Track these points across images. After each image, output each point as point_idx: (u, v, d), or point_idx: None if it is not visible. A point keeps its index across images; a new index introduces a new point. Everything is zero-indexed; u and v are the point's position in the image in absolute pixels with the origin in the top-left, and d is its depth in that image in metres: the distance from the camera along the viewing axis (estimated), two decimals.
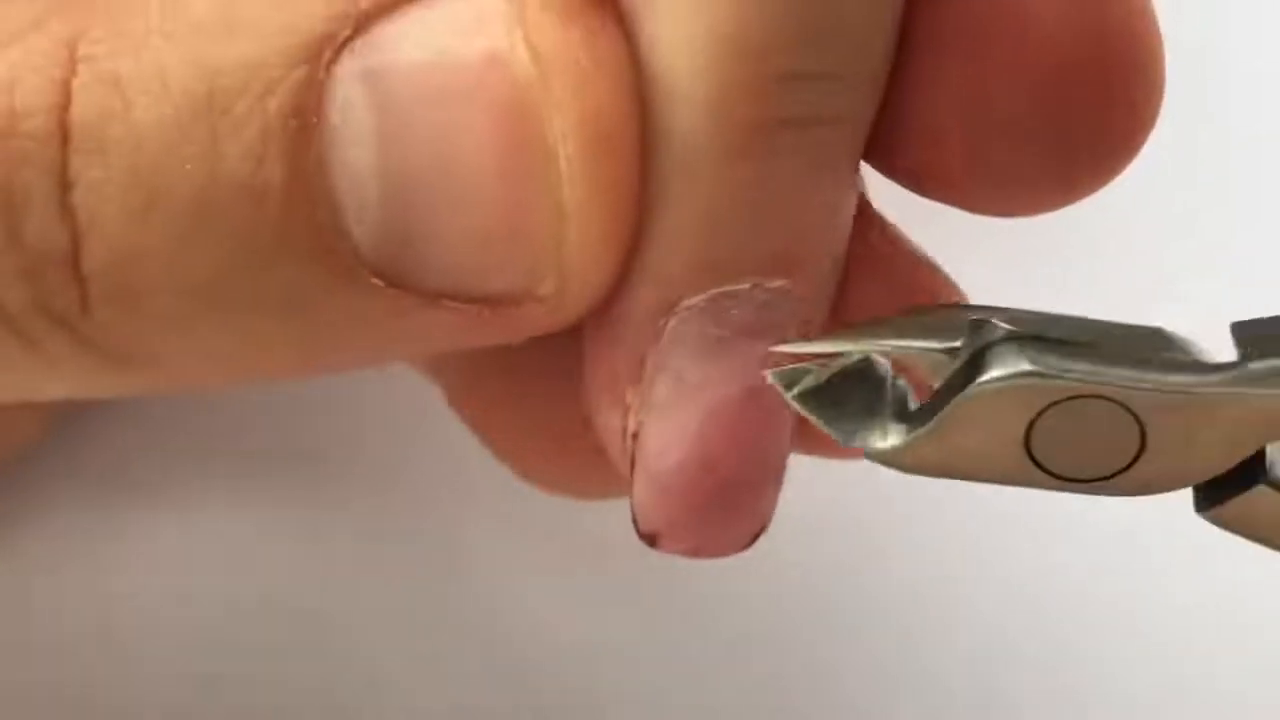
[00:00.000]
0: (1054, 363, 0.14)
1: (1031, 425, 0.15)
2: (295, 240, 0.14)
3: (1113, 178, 0.16)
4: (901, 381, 0.15)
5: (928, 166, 0.16)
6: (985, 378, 0.14)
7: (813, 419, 0.15)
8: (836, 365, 0.15)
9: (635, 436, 0.16)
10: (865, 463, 0.15)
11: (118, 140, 0.14)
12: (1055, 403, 0.14)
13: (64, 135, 0.14)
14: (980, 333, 0.15)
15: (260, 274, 0.14)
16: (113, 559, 0.24)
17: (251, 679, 0.23)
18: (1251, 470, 0.15)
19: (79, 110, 0.14)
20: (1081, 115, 0.15)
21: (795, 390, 0.15)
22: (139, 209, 0.14)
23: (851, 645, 0.24)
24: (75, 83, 0.14)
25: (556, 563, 0.24)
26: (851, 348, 0.15)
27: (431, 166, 0.14)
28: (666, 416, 0.15)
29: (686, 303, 0.15)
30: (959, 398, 0.14)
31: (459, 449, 0.22)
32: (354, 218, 0.14)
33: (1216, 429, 0.14)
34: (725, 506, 0.16)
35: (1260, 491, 0.15)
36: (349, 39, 0.14)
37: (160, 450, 0.25)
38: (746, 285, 0.15)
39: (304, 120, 0.14)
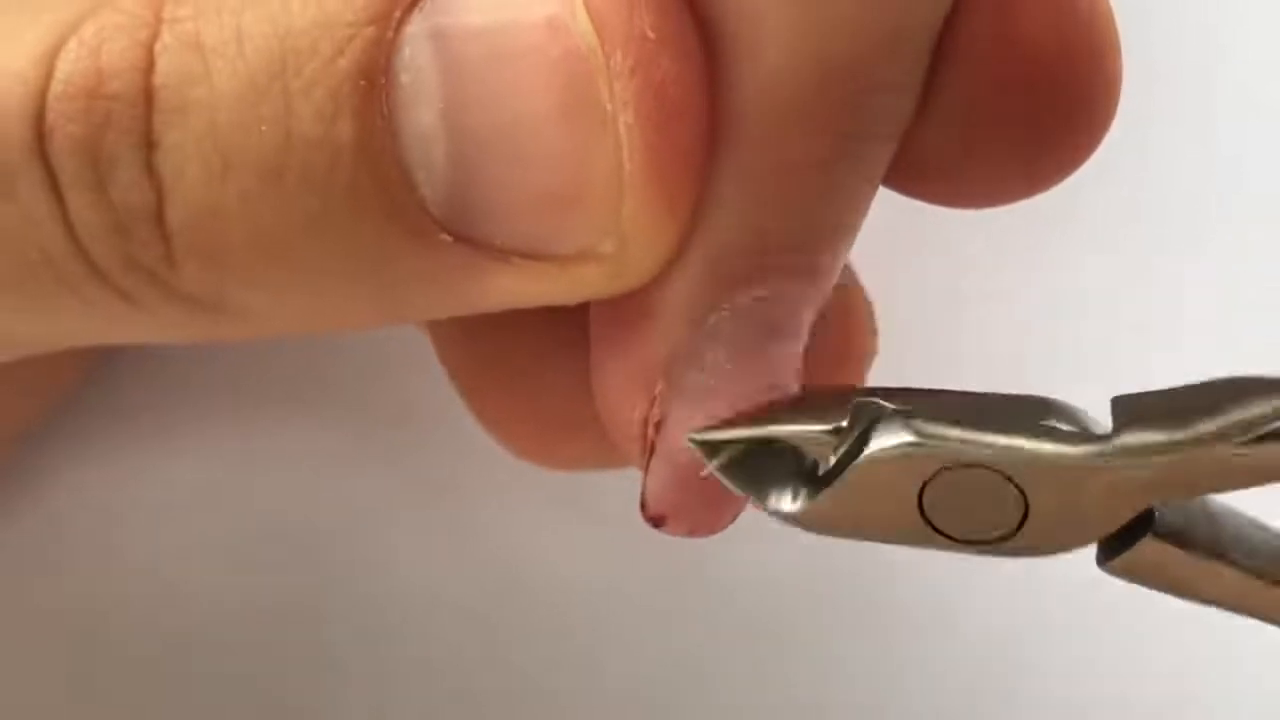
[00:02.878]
0: (935, 433, 0.15)
1: (923, 491, 0.15)
2: (366, 198, 0.15)
3: (1075, 170, 0.16)
4: (807, 453, 0.16)
5: (923, 158, 0.16)
6: (870, 450, 0.15)
7: (731, 487, 0.16)
8: (748, 438, 0.16)
9: (658, 425, 0.16)
10: None
11: (197, 102, 0.14)
12: (940, 471, 0.15)
13: (148, 97, 0.15)
14: (867, 411, 0.15)
15: (333, 231, 0.15)
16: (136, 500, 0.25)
17: (267, 618, 0.25)
18: (1143, 523, 0.15)
19: (162, 72, 0.15)
20: (1045, 113, 0.16)
21: (717, 461, 0.16)
22: (218, 168, 0.14)
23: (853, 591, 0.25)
24: (158, 45, 0.15)
25: (571, 513, 0.25)
26: (754, 434, 0.16)
27: (495, 127, 0.14)
28: (695, 408, 0.16)
29: (732, 301, 0.15)
30: (850, 467, 0.15)
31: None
32: (423, 176, 0.15)
33: (1093, 496, 0.15)
34: (731, 494, 0.16)
35: (1148, 543, 0.15)
36: (415, 2, 0.14)
37: (183, 394, 0.26)
38: (790, 288, 0.15)
39: (373, 80, 0.14)
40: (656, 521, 0.16)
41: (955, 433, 0.15)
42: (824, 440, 0.15)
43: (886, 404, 0.15)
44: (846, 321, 0.18)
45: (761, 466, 0.16)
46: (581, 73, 0.14)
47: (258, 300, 0.15)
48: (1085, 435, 0.15)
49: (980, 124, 0.16)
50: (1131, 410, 0.15)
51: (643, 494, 0.16)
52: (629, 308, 0.16)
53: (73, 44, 0.15)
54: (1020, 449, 0.15)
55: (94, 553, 0.25)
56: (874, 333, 0.18)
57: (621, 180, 0.15)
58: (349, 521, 0.25)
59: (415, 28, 0.14)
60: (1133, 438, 0.15)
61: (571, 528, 0.25)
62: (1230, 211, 0.26)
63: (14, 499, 0.25)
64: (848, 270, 0.18)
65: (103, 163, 0.15)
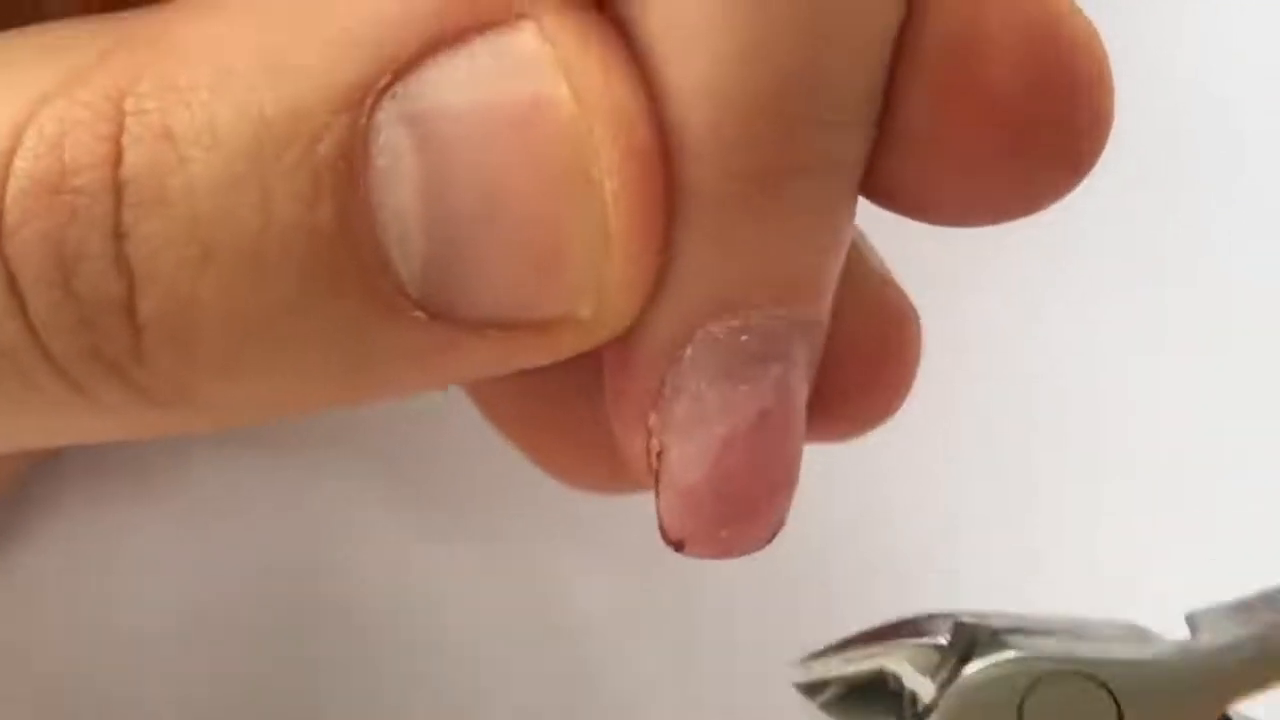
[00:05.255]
0: (1032, 645, 0.16)
1: (1022, 705, 0.17)
2: (344, 280, 0.15)
3: (1072, 189, 0.16)
4: (908, 682, 0.17)
5: (887, 182, 0.16)
6: (971, 670, 0.16)
7: None
8: (851, 675, 0.17)
9: (659, 455, 0.16)
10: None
11: (174, 192, 0.14)
12: (1038, 682, 0.16)
13: (117, 189, 0.14)
14: (965, 631, 0.17)
15: (310, 314, 0.15)
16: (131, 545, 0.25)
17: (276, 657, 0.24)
18: None
19: (131, 164, 0.14)
20: (1041, 132, 0.16)
21: (820, 699, 0.17)
22: (196, 257, 0.14)
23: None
24: (125, 138, 0.14)
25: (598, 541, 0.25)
26: (854, 671, 0.17)
27: (476, 204, 0.15)
28: (687, 438, 0.16)
29: (703, 332, 0.16)
30: (953, 688, 0.17)
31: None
32: (399, 256, 0.15)
33: (1182, 696, 0.16)
34: (745, 515, 0.17)
35: None
36: (389, 85, 0.14)
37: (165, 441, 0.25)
38: (760, 315, 0.16)
39: (351, 164, 0.14)
40: (677, 546, 0.17)
41: (1051, 643, 0.16)
42: (926, 665, 0.17)
43: (983, 624, 0.17)
44: (879, 346, 0.18)
45: (865, 699, 0.17)
46: (570, 146, 0.15)
47: (225, 390, 0.15)
48: (1169, 644, 0.16)
49: (943, 158, 0.16)
50: (1208, 618, 0.16)
51: (659, 520, 0.17)
52: (617, 347, 0.16)
53: (31, 139, 0.14)
54: (1113, 653, 0.16)
55: (82, 606, 0.25)
56: (910, 361, 0.18)
57: (607, 244, 0.15)
58: (343, 567, 0.25)
59: (389, 112, 0.14)
60: (1213, 637, 0.16)
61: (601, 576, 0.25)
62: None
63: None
64: (896, 292, 0.18)
65: (68, 258, 0.14)
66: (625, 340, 0.16)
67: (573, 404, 0.20)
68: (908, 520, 0.26)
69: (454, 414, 0.23)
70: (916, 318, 0.18)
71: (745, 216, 0.15)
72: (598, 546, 0.26)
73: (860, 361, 0.18)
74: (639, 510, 0.23)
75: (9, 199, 0.14)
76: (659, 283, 0.16)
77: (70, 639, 0.25)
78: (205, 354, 0.15)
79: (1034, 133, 0.16)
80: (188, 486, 0.25)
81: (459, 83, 0.15)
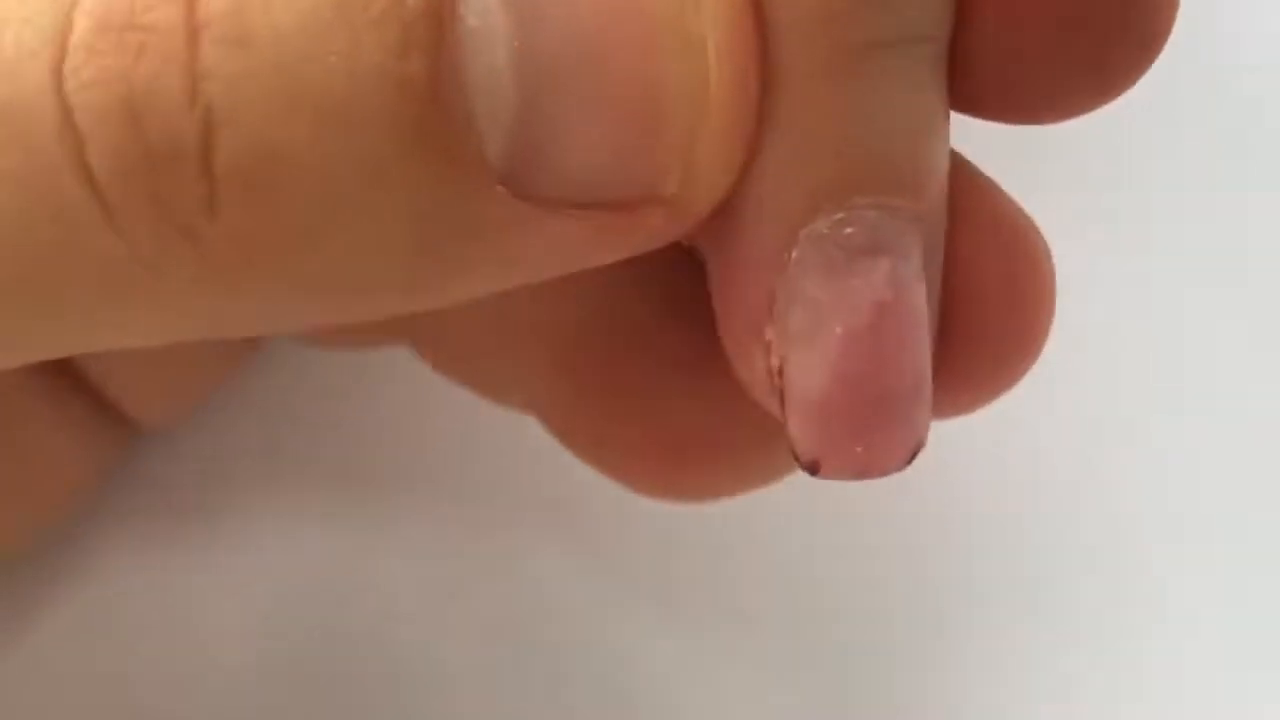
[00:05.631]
0: None
1: None
2: (429, 143, 0.14)
3: (1142, 72, 0.16)
4: None
5: (965, 81, 0.16)
6: None
7: None
8: None
9: (780, 372, 0.16)
10: None
11: (259, 33, 0.14)
12: None
13: (192, 27, 0.14)
14: None
15: (391, 177, 0.14)
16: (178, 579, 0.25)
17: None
18: None
19: (210, 2, 0.14)
20: (1114, 13, 0.15)
21: None
22: (281, 103, 0.14)
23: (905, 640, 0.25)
24: None
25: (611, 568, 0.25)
26: None
27: (571, 66, 0.14)
28: (807, 344, 0.15)
29: (806, 230, 0.15)
30: None
31: (525, 468, 0.24)
32: (486, 122, 0.14)
33: None
34: (878, 424, 0.16)
35: None
36: None
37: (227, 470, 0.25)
38: (861, 205, 0.15)
39: (441, 19, 0.14)
40: (812, 469, 0.16)
41: None
42: None
43: None
44: (1004, 285, 0.17)
45: None
46: (680, 12, 0.14)
47: (294, 261, 0.14)
48: None
49: (1030, 27, 0.15)
50: None
51: (791, 446, 0.16)
52: (724, 266, 0.16)
53: None
54: None
55: (140, 635, 0.25)
56: (1041, 305, 0.17)
57: (706, 107, 0.14)
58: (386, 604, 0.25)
59: None
60: None
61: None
62: None
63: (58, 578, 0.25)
64: (1025, 222, 0.17)
65: (137, 95, 0.14)
66: (728, 253, 0.16)
67: (661, 396, 0.19)
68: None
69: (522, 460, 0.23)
70: (1049, 255, 0.17)
71: (836, 94, 0.15)
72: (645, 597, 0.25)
73: (983, 303, 0.17)
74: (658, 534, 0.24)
75: (73, 39, 0.14)
76: (755, 183, 0.15)
77: (105, 673, 0.24)
78: (283, 212, 0.14)
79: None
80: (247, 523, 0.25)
81: None
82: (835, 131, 0.15)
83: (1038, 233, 0.17)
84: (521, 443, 0.22)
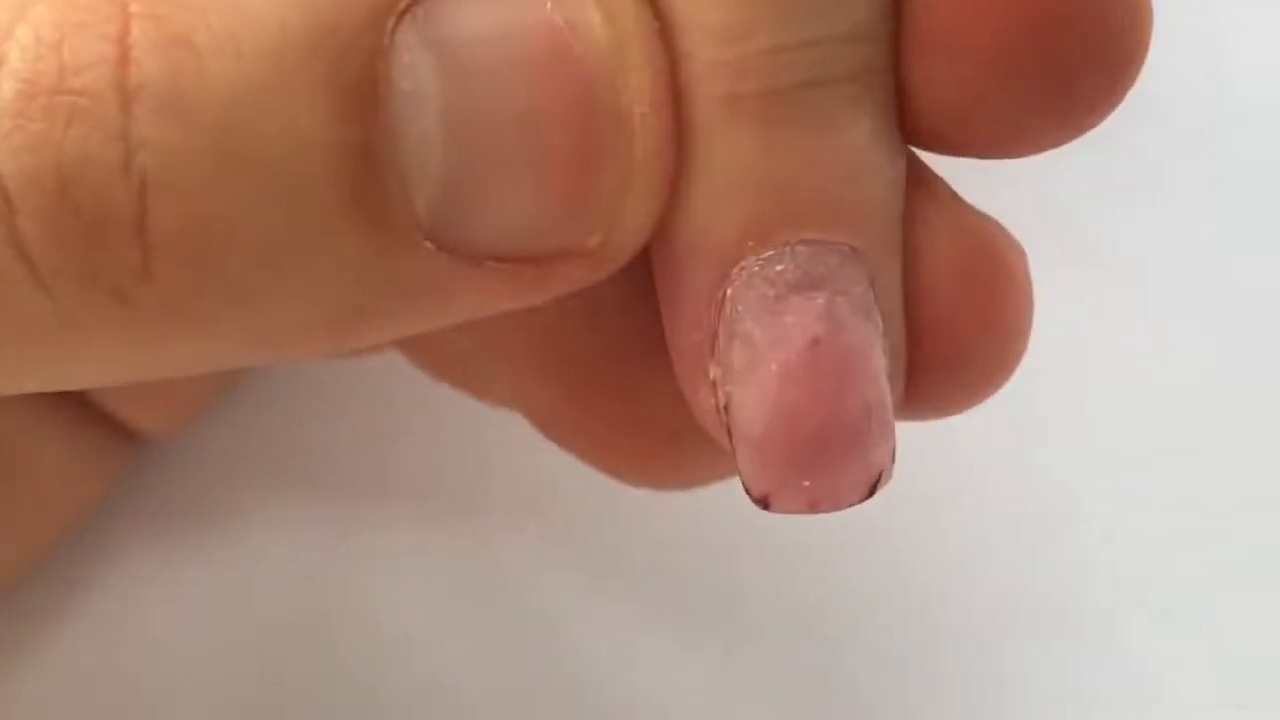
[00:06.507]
0: None
1: None
2: (363, 204, 0.14)
3: (1110, 108, 0.16)
4: None
5: (922, 116, 0.16)
6: None
7: None
8: None
9: (726, 408, 0.16)
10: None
11: (194, 100, 0.14)
12: None
13: (124, 91, 0.14)
14: None
15: (326, 239, 0.14)
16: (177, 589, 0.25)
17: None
18: None
19: (145, 69, 0.14)
20: (1075, 47, 0.15)
21: None
22: (218, 170, 0.14)
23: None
24: (134, 40, 0.14)
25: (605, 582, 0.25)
26: None
27: (500, 133, 0.14)
28: (746, 381, 0.16)
29: (738, 269, 0.15)
30: None
31: (529, 474, 0.24)
32: (416, 183, 0.14)
33: None
34: (824, 459, 0.16)
35: None
36: (410, 5, 0.14)
37: (223, 483, 0.25)
38: (792, 241, 0.15)
39: (375, 84, 0.14)
40: (764, 504, 0.16)
41: None
42: None
43: None
44: (974, 292, 0.16)
45: None
46: (601, 70, 0.14)
47: (227, 318, 0.14)
48: None
49: (993, 63, 0.15)
50: None
51: (741, 480, 0.16)
52: (668, 303, 0.16)
53: (23, 39, 0.14)
54: None
55: (141, 639, 0.25)
56: (1013, 312, 0.16)
57: (631, 170, 0.15)
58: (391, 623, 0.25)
59: (410, 34, 0.14)
60: None
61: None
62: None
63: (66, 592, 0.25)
64: (993, 229, 0.17)
65: (67, 164, 0.13)
66: (670, 292, 0.16)
67: (639, 382, 0.19)
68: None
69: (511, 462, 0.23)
70: (1021, 261, 0.17)
71: (751, 135, 0.15)
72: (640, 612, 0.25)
73: (954, 310, 0.16)
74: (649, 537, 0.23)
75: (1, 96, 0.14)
76: (687, 223, 0.15)
77: (96, 684, 0.25)
78: (217, 275, 0.14)
79: (1059, 31, 0.15)
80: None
81: (482, 7, 0.14)
82: (753, 170, 0.15)
83: (1014, 245, 0.17)
84: (524, 448, 0.21)
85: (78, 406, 0.23)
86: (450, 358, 0.22)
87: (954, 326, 0.16)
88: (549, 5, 0.14)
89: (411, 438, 0.25)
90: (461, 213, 0.14)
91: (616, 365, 0.19)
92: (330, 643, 0.24)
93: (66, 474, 0.24)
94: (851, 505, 0.16)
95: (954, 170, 0.17)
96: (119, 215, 0.14)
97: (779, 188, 0.15)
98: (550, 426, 0.20)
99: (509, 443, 0.22)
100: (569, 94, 0.14)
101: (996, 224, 0.17)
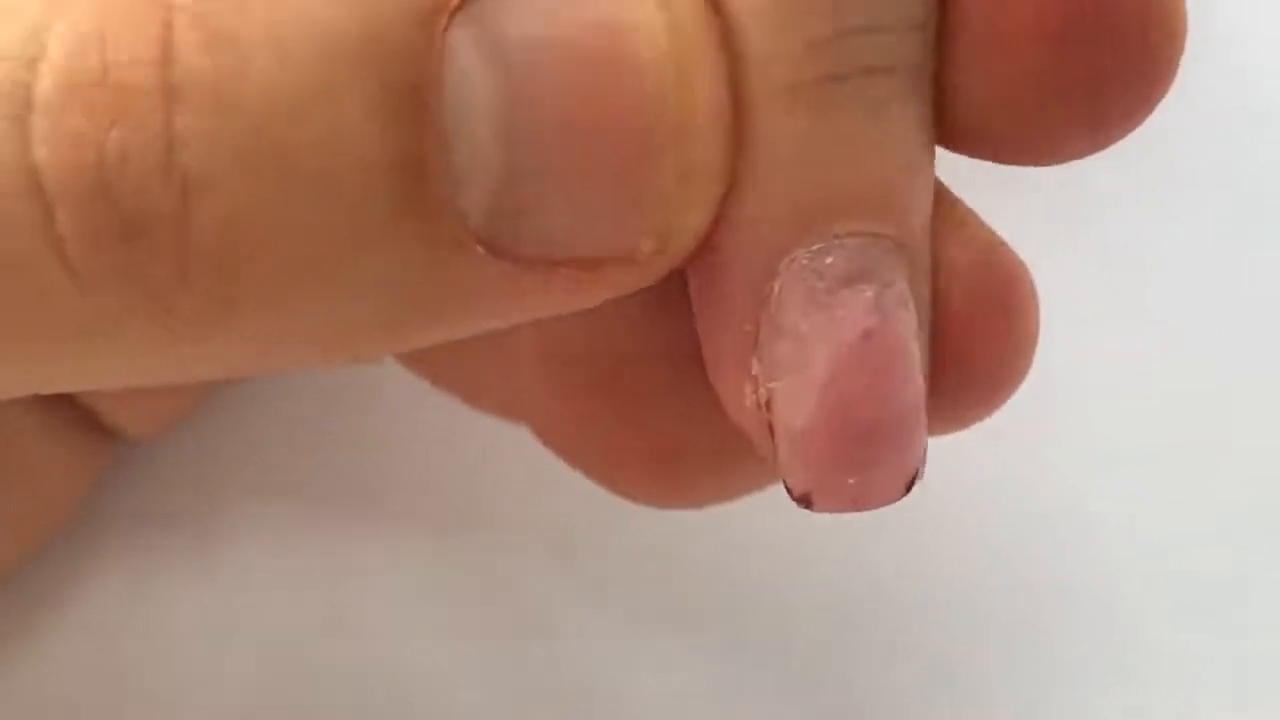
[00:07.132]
0: None
1: None
2: (413, 207, 0.14)
3: (1140, 121, 0.15)
4: None
5: (957, 119, 0.16)
6: None
7: None
8: None
9: (768, 404, 0.16)
10: None
11: (240, 99, 0.13)
12: None
13: (168, 90, 0.13)
14: None
15: (373, 242, 0.14)
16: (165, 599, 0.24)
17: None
18: None
19: (189, 67, 0.13)
20: (1106, 57, 0.15)
21: None
22: (262, 172, 0.13)
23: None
24: (177, 37, 0.13)
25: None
26: None
27: (555, 136, 0.14)
28: (792, 376, 0.15)
29: (786, 261, 0.15)
30: None
31: (516, 480, 0.24)
32: (467, 186, 0.14)
33: None
34: (869, 455, 0.16)
35: None
36: (461, 5, 0.13)
37: (213, 489, 0.25)
38: (841, 234, 0.15)
39: (424, 85, 0.13)
40: (805, 502, 0.16)
41: None
42: None
43: None
44: (986, 309, 0.16)
45: None
46: (661, 71, 0.14)
47: (265, 322, 0.14)
48: None
49: (1025, 70, 0.15)
50: None
51: (783, 480, 0.16)
52: (707, 300, 0.16)
53: (63, 34, 0.13)
54: None
55: (125, 643, 0.24)
56: (1021, 328, 0.16)
57: (690, 175, 0.14)
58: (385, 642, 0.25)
59: (462, 35, 0.13)
60: None
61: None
62: None
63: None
64: (1004, 251, 0.17)
65: (109, 162, 0.13)
66: (711, 287, 0.16)
67: (653, 398, 0.19)
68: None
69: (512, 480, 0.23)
70: (1029, 279, 0.17)
71: (806, 126, 0.15)
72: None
73: (966, 326, 0.16)
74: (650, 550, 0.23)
75: (38, 99, 0.13)
76: (734, 217, 0.15)
77: (91, 684, 0.24)
78: (258, 279, 0.14)
79: (1099, 33, 0.15)
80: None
81: (538, 7, 0.14)
82: (808, 162, 0.15)
83: (1021, 262, 0.17)
84: (513, 454, 0.22)
85: (61, 403, 0.23)
86: (454, 367, 0.22)
87: (969, 339, 0.16)
88: (606, 2, 0.14)
89: (401, 440, 0.25)
90: (514, 216, 0.14)
91: (621, 380, 0.19)
92: (322, 645, 0.24)
93: (46, 472, 0.23)
94: (890, 503, 0.16)
95: (971, 172, 0.17)
96: (160, 219, 0.13)
97: (832, 178, 0.15)
98: (552, 439, 0.20)
99: (503, 445, 0.22)
100: (628, 96, 0.14)
101: (1002, 239, 0.17)
